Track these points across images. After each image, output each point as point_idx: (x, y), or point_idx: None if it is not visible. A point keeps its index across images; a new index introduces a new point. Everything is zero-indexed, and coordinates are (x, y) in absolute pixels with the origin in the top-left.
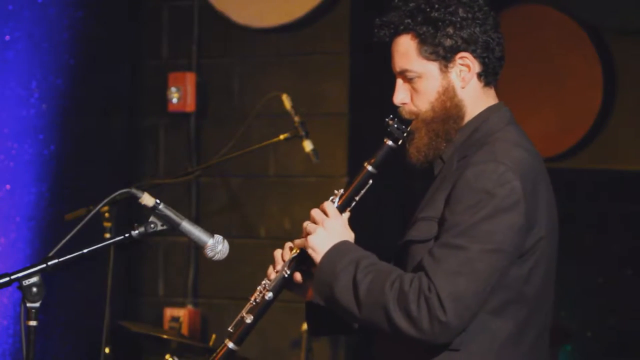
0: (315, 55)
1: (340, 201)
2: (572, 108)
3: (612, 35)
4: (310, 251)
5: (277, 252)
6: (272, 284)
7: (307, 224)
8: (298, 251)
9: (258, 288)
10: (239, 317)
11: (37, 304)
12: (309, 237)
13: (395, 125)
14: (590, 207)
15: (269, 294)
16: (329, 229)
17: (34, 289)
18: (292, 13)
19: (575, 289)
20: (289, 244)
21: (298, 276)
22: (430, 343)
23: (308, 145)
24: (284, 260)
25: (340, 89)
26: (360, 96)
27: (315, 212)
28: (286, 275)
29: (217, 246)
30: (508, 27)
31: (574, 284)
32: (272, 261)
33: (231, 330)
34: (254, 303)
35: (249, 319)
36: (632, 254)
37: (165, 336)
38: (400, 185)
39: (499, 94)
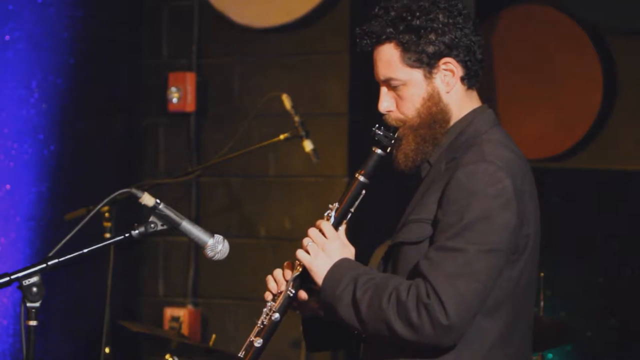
0: (315, 55)
1: (336, 215)
2: (571, 108)
3: (612, 35)
4: (312, 274)
5: (278, 272)
6: (278, 305)
7: (306, 243)
8: (300, 270)
9: (264, 310)
10: (248, 341)
11: (37, 304)
12: (310, 261)
13: (382, 134)
14: (590, 207)
15: (276, 315)
16: (328, 252)
17: (34, 289)
18: (292, 13)
19: (575, 289)
20: (287, 264)
21: (303, 294)
22: (436, 346)
23: (308, 145)
24: (285, 280)
25: (340, 89)
26: (360, 96)
27: (313, 233)
28: (291, 295)
29: (217, 246)
30: (508, 27)
31: (574, 284)
32: (270, 276)
33: (241, 355)
34: (261, 326)
35: (257, 342)
36: (632, 254)
37: (165, 336)
38: (397, 186)
39: (499, 94)
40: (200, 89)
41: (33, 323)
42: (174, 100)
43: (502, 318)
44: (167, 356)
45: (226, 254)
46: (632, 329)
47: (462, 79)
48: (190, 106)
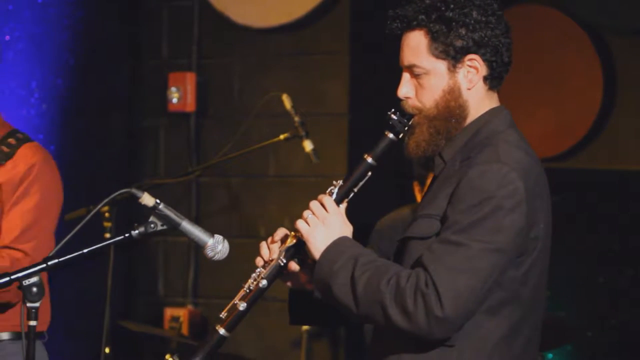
0: (315, 55)
1: (339, 191)
2: (572, 108)
3: (612, 35)
4: (309, 246)
5: (264, 244)
6: (267, 272)
7: (306, 215)
8: (295, 240)
9: (252, 275)
10: (231, 303)
11: (37, 304)
12: (309, 232)
13: (397, 119)
14: (590, 207)
15: (264, 282)
16: (328, 225)
17: (34, 289)
18: (292, 13)
19: (575, 289)
20: (282, 230)
21: (294, 265)
22: (427, 338)
23: (308, 145)
24: (275, 245)
25: (340, 89)
26: (360, 96)
27: (315, 206)
28: (282, 264)
29: (217, 246)
30: None
31: (574, 284)
32: (264, 242)
33: (222, 317)
34: (247, 290)
35: (241, 306)
36: (632, 254)
37: (165, 336)
38: (400, 179)
39: (499, 94)
40: (200, 89)
41: (33, 323)
42: (174, 100)
43: (506, 318)
44: (167, 356)
45: (226, 254)
46: (632, 329)
47: (485, 79)
48: (190, 106)
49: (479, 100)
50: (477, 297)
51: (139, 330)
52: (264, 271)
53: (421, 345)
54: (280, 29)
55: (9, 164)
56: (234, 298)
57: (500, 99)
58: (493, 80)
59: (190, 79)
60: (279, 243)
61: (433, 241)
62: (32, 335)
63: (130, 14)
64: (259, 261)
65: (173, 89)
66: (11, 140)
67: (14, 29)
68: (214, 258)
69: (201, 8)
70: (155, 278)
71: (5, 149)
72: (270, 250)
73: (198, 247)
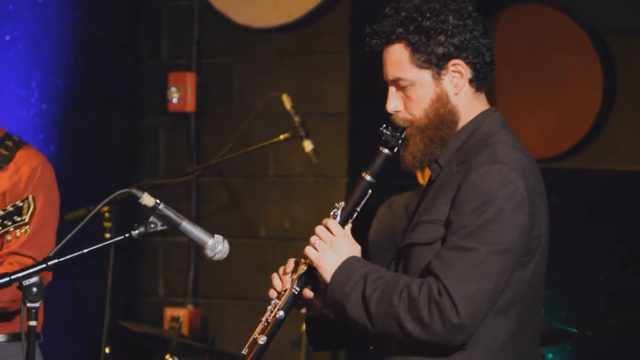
0: (315, 55)
1: (342, 213)
2: (571, 108)
3: (612, 35)
4: (320, 271)
5: (283, 269)
6: (283, 303)
7: (314, 241)
8: (306, 268)
9: (268, 308)
10: (251, 338)
11: (37, 304)
12: (318, 257)
13: (390, 133)
14: (590, 207)
15: (280, 313)
16: (336, 248)
17: (34, 289)
18: (292, 13)
19: (575, 289)
20: (292, 260)
21: (308, 292)
22: (445, 346)
23: (308, 145)
24: (290, 278)
25: (340, 89)
26: (360, 96)
27: (321, 231)
28: (296, 293)
29: (217, 246)
30: (508, 27)
31: (574, 284)
32: (275, 272)
33: (245, 353)
34: (265, 323)
35: (261, 340)
36: (632, 254)
37: (165, 336)
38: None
39: (499, 94)
40: (200, 89)
41: (33, 323)
42: (174, 100)
43: (513, 318)
44: (167, 356)
45: (226, 254)
46: (632, 329)
47: (471, 81)
48: (190, 106)
49: (467, 103)
50: (490, 299)
51: (139, 330)
52: (280, 302)
53: (429, 349)
54: (280, 29)
55: (11, 166)
56: (253, 332)
57: (500, 98)
58: (478, 82)
59: (190, 79)
60: (290, 273)
61: (440, 248)
62: (32, 335)
63: (130, 14)
64: (273, 293)
65: (173, 89)
66: (8, 143)
67: (14, 29)
68: (214, 258)
69: (201, 8)
70: (155, 278)
71: (4, 151)
72: (283, 281)
73: (198, 247)
